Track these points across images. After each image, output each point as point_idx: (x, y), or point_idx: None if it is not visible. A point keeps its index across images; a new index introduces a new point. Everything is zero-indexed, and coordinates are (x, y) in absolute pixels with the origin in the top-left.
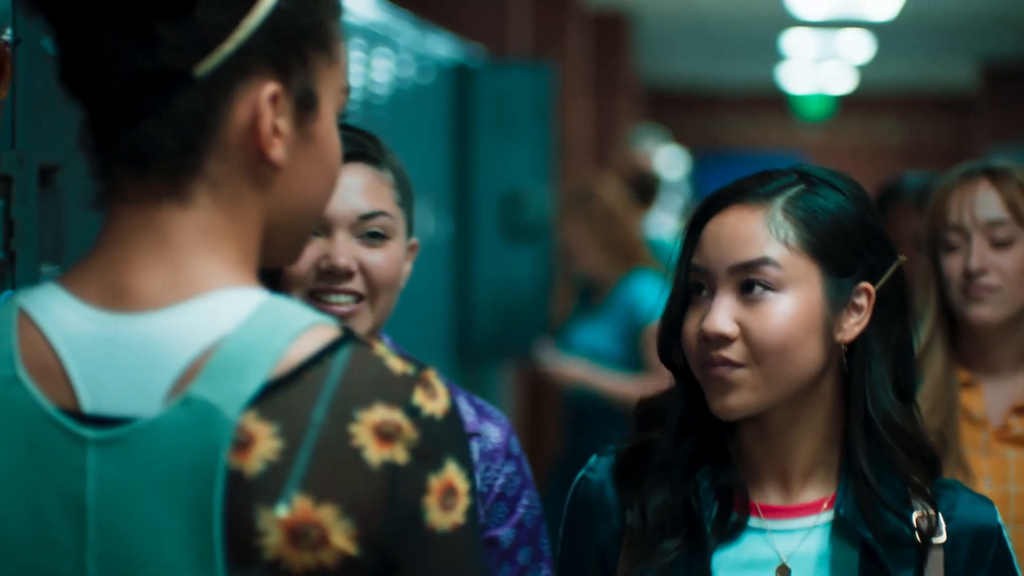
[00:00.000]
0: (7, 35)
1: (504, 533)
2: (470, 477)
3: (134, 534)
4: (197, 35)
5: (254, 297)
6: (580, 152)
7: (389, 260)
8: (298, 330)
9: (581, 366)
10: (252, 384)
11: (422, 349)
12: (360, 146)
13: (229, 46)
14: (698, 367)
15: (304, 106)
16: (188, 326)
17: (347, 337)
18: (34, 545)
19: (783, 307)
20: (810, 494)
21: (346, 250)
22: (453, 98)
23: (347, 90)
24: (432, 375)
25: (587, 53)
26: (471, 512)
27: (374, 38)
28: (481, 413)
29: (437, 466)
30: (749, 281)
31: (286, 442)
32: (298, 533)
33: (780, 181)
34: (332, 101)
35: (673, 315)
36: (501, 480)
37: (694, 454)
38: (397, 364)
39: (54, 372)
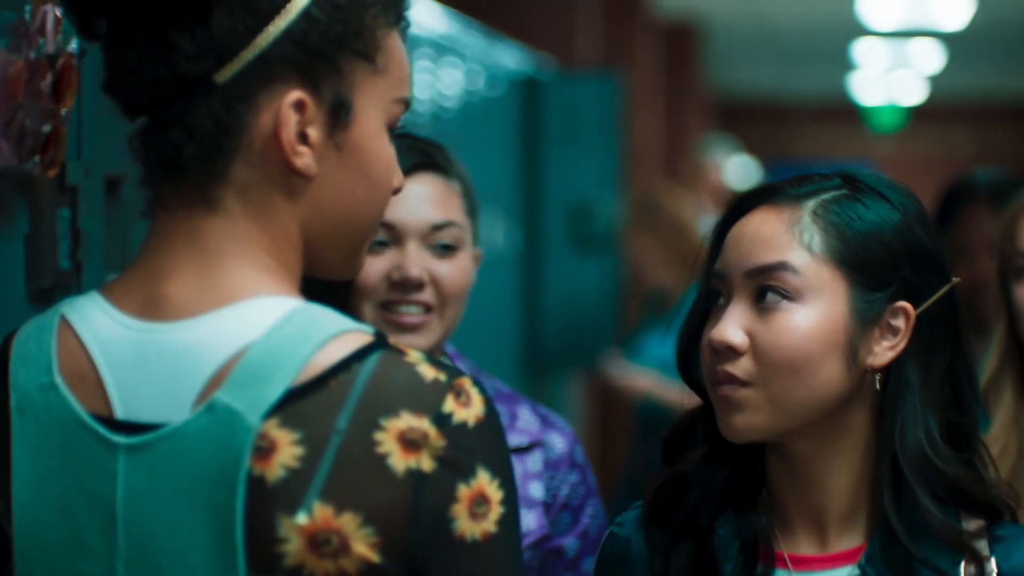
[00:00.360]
0: (72, 47)
1: (569, 543)
2: (505, 486)
3: (160, 539)
4: (213, 43)
5: (285, 304)
6: (649, 163)
7: (458, 271)
8: (326, 337)
9: (648, 377)
10: (275, 391)
11: (491, 359)
12: (428, 156)
13: (249, 53)
14: (709, 383)
15: (336, 115)
16: (218, 334)
17: (378, 344)
18: (68, 549)
19: (799, 319)
20: (847, 541)
21: (417, 261)
22: (522, 109)
23: (404, 101)
24: (466, 382)
25: (657, 63)
26: (505, 521)
27: (443, 49)
28: (546, 422)
29: (467, 474)
30: (764, 288)
31: (308, 449)
32: (318, 540)
33: (819, 184)
34: (379, 111)
35: (693, 326)
36: (565, 490)
37: (728, 488)
38: (429, 371)
39: (90, 379)
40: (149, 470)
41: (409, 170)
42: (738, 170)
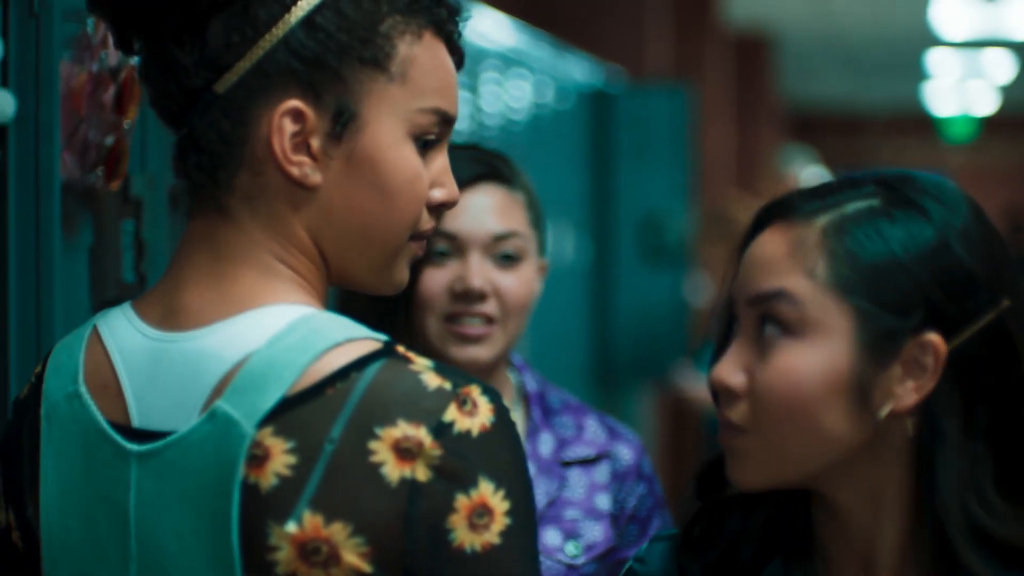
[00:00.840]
0: (134, 59)
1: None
2: (512, 496)
3: (168, 545)
4: (210, 55)
5: (292, 312)
6: (721, 174)
7: (522, 283)
8: (328, 345)
9: None
10: (270, 399)
11: (562, 371)
12: (491, 167)
13: (246, 64)
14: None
15: (340, 124)
16: (226, 343)
17: (383, 352)
18: (90, 554)
19: (795, 359)
20: None
21: (480, 271)
22: (592, 122)
23: (434, 111)
24: (474, 391)
25: (728, 75)
26: (511, 533)
27: (512, 62)
28: (613, 434)
29: (466, 484)
30: (763, 318)
31: (300, 458)
32: (308, 549)
33: (843, 195)
34: (397, 121)
35: (716, 360)
36: (633, 501)
37: (774, 531)
38: (433, 379)
39: (111, 388)
40: (158, 477)
41: (472, 181)
42: (815, 181)
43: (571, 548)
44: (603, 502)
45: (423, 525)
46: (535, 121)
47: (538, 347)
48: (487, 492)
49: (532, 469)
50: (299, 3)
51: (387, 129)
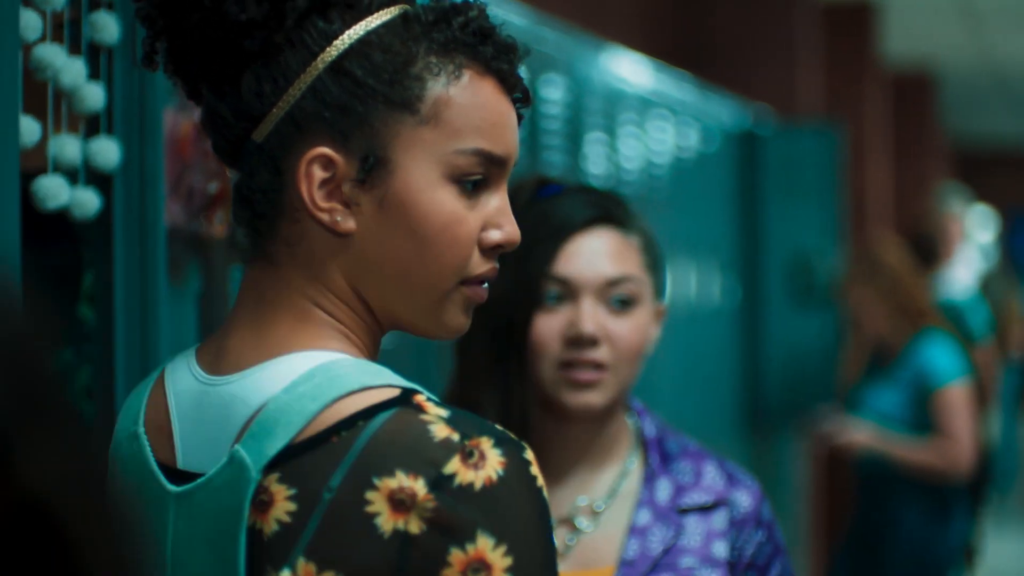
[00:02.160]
0: None
1: None
2: (516, 552)
3: None
4: (244, 105)
5: (316, 358)
6: (877, 215)
7: (635, 329)
8: (340, 392)
9: (869, 430)
10: (277, 445)
11: (710, 415)
12: (604, 209)
13: (279, 112)
14: None
15: (367, 169)
16: (253, 388)
17: (397, 401)
18: None
19: None
20: None
21: (592, 316)
22: (739, 162)
23: (475, 152)
24: (485, 443)
25: (886, 113)
26: None
27: (654, 105)
28: (732, 480)
29: (461, 539)
30: None
31: (299, 505)
32: None
33: None
34: (430, 164)
35: None
36: (751, 549)
37: None
38: (442, 430)
39: (164, 430)
40: (188, 518)
41: (585, 224)
42: (978, 220)
43: None
44: (720, 550)
45: None
46: (678, 163)
47: (686, 390)
48: (485, 547)
49: (648, 516)
50: (327, 49)
51: (420, 173)
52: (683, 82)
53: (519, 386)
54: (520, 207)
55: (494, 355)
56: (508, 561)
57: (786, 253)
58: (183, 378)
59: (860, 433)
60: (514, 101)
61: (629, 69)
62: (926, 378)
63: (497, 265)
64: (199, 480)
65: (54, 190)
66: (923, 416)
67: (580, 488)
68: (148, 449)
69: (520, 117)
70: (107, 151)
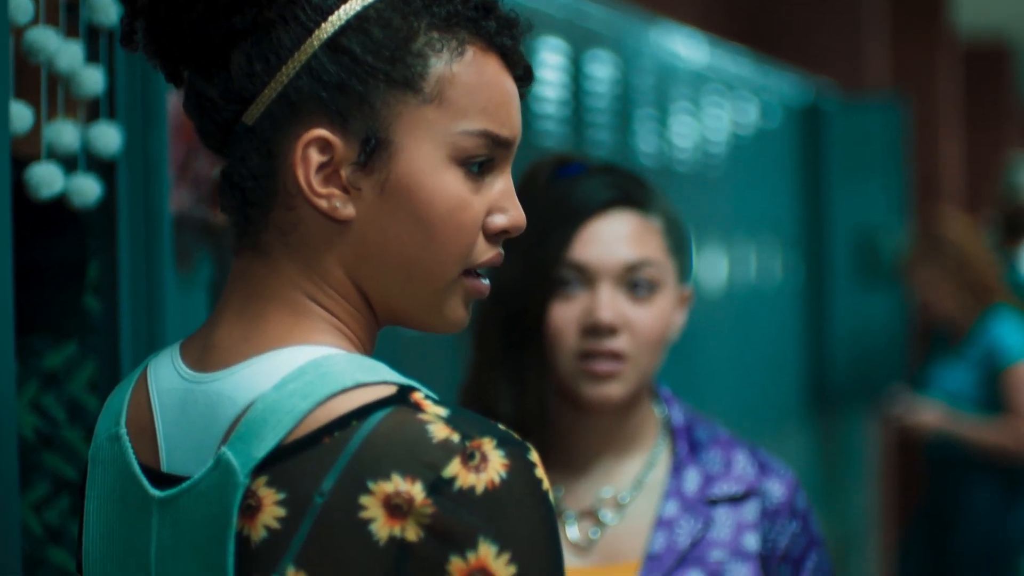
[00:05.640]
0: None
1: None
2: (520, 561)
3: None
4: (234, 86)
5: (308, 354)
6: (949, 191)
7: (656, 316)
8: (333, 390)
9: (938, 411)
10: (265, 447)
11: (774, 396)
12: (623, 191)
13: (271, 93)
14: None
15: (367, 152)
16: (241, 385)
17: (394, 399)
18: None
19: None
20: None
21: (610, 304)
22: (802, 137)
23: (481, 133)
24: (487, 444)
25: (958, 87)
26: None
27: (709, 80)
28: (764, 469)
29: (462, 546)
30: None
31: (289, 510)
32: None
33: None
34: (434, 145)
35: None
36: (784, 540)
37: None
38: (441, 430)
39: (147, 431)
40: (172, 524)
41: (602, 207)
42: None
43: None
44: (751, 542)
45: None
46: (736, 140)
47: (748, 372)
48: (487, 555)
49: (675, 507)
50: (323, 26)
51: (423, 155)
52: (740, 57)
53: (536, 376)
54: (538, 188)
55: (509, 344)
56: (512, 570)
57: (851, 231)
58: (167, 375)
59: (929, 413)
60: (516, 79)
61: (682, 44)
62: (995, 356)
63: (502, 252)
64: (184, 484)
65: (48, 178)
66: (993, 395)
67: (604, 479)
68: (131, 451)
69: (522, 96)
70: (107, 137)
